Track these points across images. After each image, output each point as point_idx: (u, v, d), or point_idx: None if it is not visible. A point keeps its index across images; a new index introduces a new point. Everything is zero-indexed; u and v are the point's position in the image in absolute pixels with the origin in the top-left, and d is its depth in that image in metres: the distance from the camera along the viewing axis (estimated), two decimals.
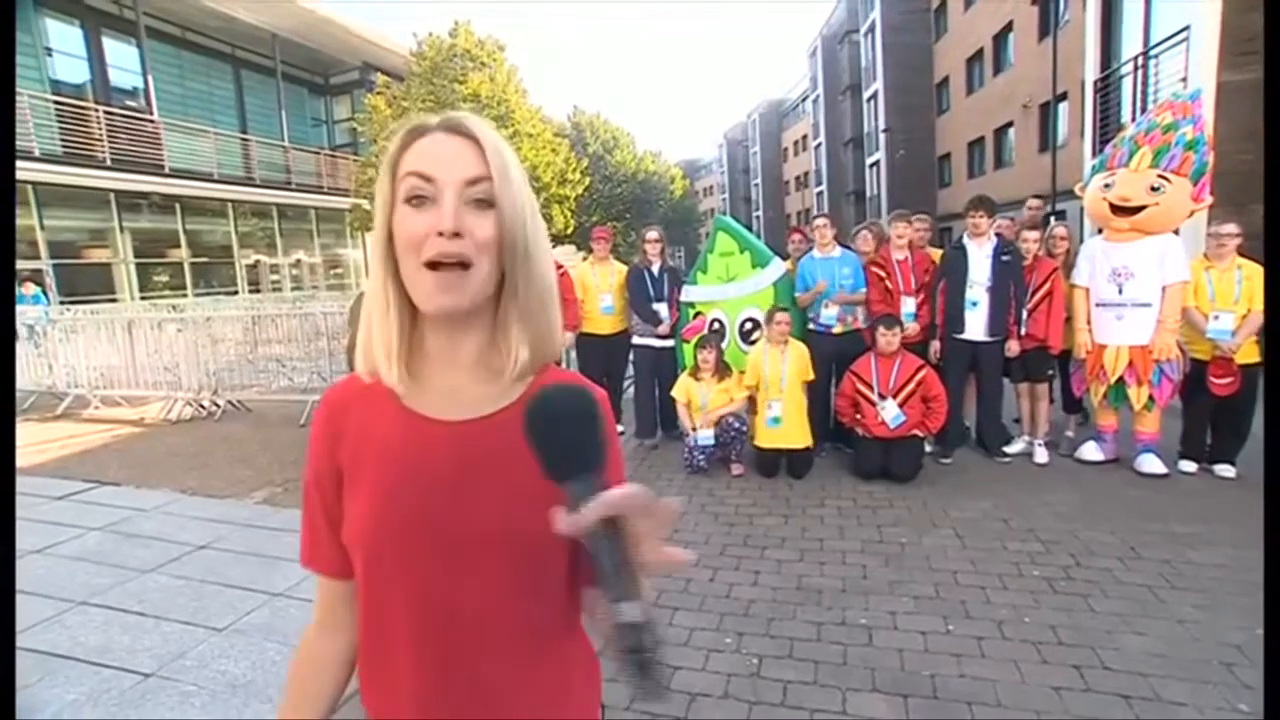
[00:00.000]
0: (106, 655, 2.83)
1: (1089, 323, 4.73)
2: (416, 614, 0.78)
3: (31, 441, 6.44)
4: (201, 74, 17.70)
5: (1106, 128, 10.68)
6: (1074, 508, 4.12)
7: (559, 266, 5.84)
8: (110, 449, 6.24)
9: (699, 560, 3.60)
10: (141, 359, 7.71)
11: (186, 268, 16.41)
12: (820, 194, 42.61)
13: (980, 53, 23.36)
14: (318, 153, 19.68)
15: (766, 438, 4.70)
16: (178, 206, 16.03)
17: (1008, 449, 5.06)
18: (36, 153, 12.84)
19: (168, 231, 16.08)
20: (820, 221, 5.24)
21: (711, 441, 4.82)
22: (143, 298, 14.62)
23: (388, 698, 0.83)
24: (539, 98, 21.50)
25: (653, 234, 5.60)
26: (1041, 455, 4.95)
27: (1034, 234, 5.04)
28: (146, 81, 15.55)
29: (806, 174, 47.70)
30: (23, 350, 8.18)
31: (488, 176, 0.74)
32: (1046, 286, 4.85)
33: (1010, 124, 21.35)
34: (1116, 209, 4.56)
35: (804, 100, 47.51)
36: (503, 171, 0.75)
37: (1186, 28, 8.66)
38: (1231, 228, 4.47)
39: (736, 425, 4.78)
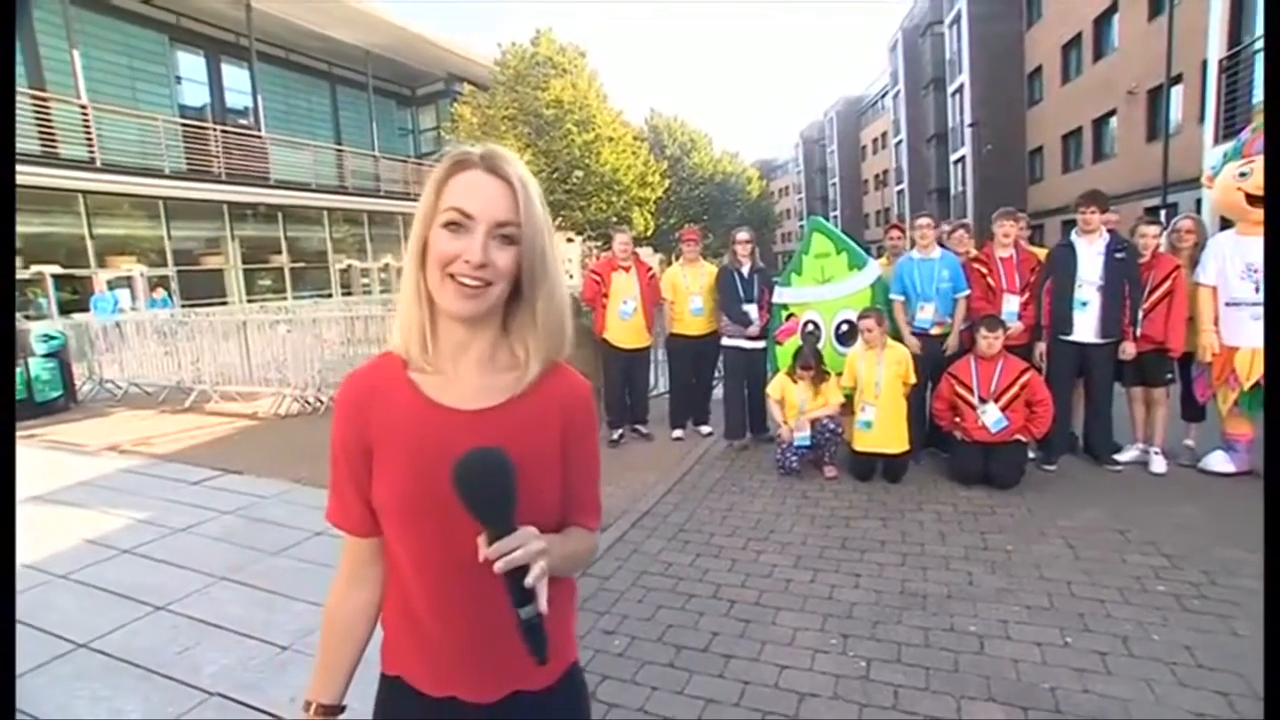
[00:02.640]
0: (248, 627, 3.08)
1: (1216, 324, 4.43)
2: (442, 569, 0.95)
3: (168, 431, 7.04)
4: (303, 92, 18.86)
5: (1234, 111, 9.90)
6: (1202, 522, 3.86)
7: (649, 270, 5.95)
8: (231, 440, 6.75)
9: (798, 561, 3.59)
10: (255, 358, 8.28)
11: (286, 272, 17.53)
12: (901, 192, 41.31)
13: (1079, 38, 22.10)
14: (404, 161, 20.60)
15: (861, 441, 4.62)
16: (280, 215, 17.15)
17: (1118, 457, 4.79)
18: (166, 170, 14.02)
19: (271, 239, 17.22)
20: (924, 221, 5.07)
21: (807, 442, 4.78)
22: (248, 300, 15.71)
23: (411, 645, 1.01)
24: (618, 101, 21.93)
25: (743, 235, 5.60)
26: (1159, 465, 4.66)
27: (1153, 229, 4.75)
28: (256, 101, 16.70)
29: (886, 172, 46.34)
30: (154, 349, 8.97)
31: (516, 222, 0.90)
32: (1167, 285, 4.55)
33: (1112, 113, 20.12)
34: (1254, 199, 4.25)
35: (883, 96, 46.20)
36: (528, 213, 0.91)
37: None
38: None
39: (832, 427, 4.72)
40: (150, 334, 9.14)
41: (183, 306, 13.25)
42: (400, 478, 0.94)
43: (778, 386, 4.92)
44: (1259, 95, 9.29)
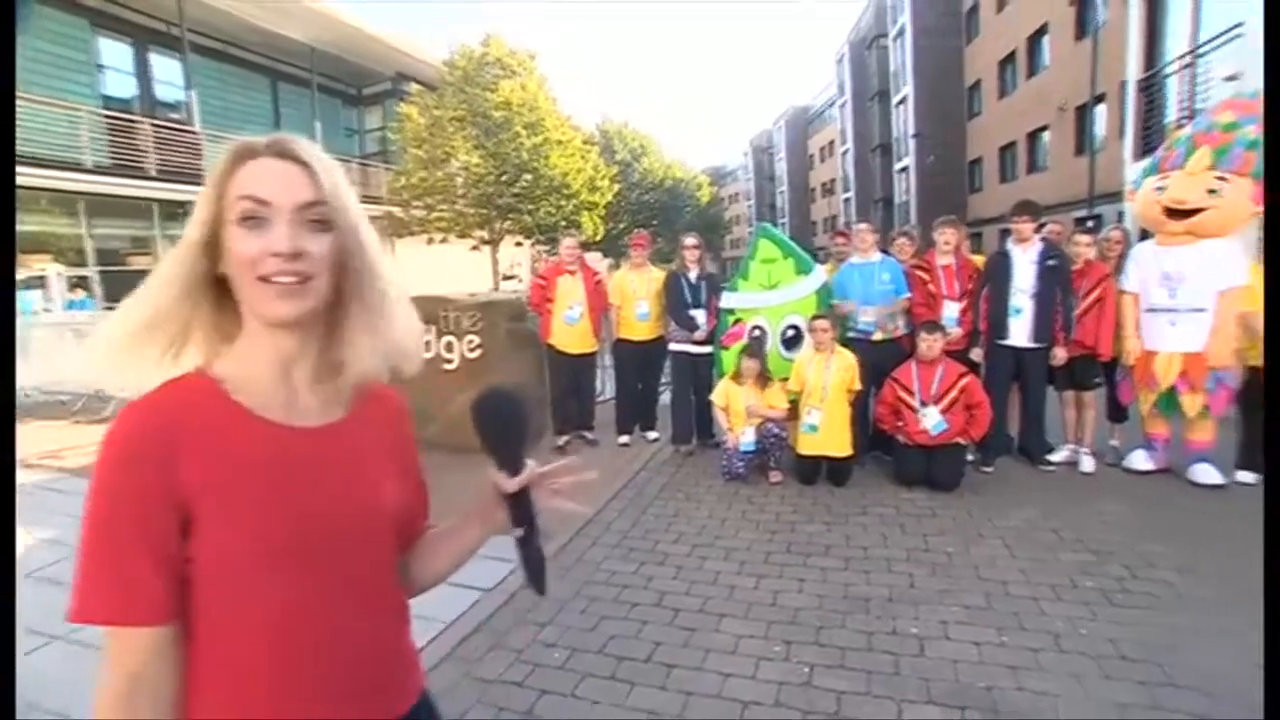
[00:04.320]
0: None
1: (1138, 329, 4.62)
2: (317, 622, 0.81)
3: (81, 443, 6.61)
4: (241, 87, 18.12)
5: (1150, 129, 10.45)
6: (1126, 518, 4.01)
7: (596, 274, 5.89)
8: None
9: (742, 567, 3.58)
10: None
11: None
12: (848, 200, 42.28)
13: (1013, 55, 23.02)
14: (349, 161, 20.04)
15: (806, 444, 4.66)
16: None
17: (1051, 457, 4.95)
18: (88, 164, 13.26)
19: None
20: (862, 227, 5.26)
21: (753, 446, 4.79)
22: None
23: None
24: (568, 106, 21.85)
25: (691, 240, 5.61)
26: (1088, 464, 4.84)
27: (1086, 238, 4.94)
28: (190, 95, 15.98)
29: (833, 181, 47.35)
30: (71, 354, 8.44)
31: (323, 200, 0.79)
32: (1097, 292, 4.74)
33: (1045, 127, 20.99)
34: (1171, 212, 4.44)
35: (830, 106, 47.22)
36: (335, 194, 0.80)
37: (1240, 24, 8.43)
38: None
39: (776, 431, 4.74)
40: (69, 337, 8.61)
41: (106, 309, 12.56)
42: (262, 521, 0.77)
43: (722, 393, 4.92)
44: (1172, 115, 9.83)
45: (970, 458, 4.86)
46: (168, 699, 0.77)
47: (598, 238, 17.45)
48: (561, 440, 5.85)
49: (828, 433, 4.58)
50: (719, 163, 75.81)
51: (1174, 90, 10.13)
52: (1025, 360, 4.79)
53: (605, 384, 7.20)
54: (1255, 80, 7.15)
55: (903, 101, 31.25)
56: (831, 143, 47.40)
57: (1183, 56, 9.87)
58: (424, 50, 19.58)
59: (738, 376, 4.83)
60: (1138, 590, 3.18)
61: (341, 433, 0.86)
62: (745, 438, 4.76)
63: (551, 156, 15.50)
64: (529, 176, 15.54)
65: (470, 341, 5.93)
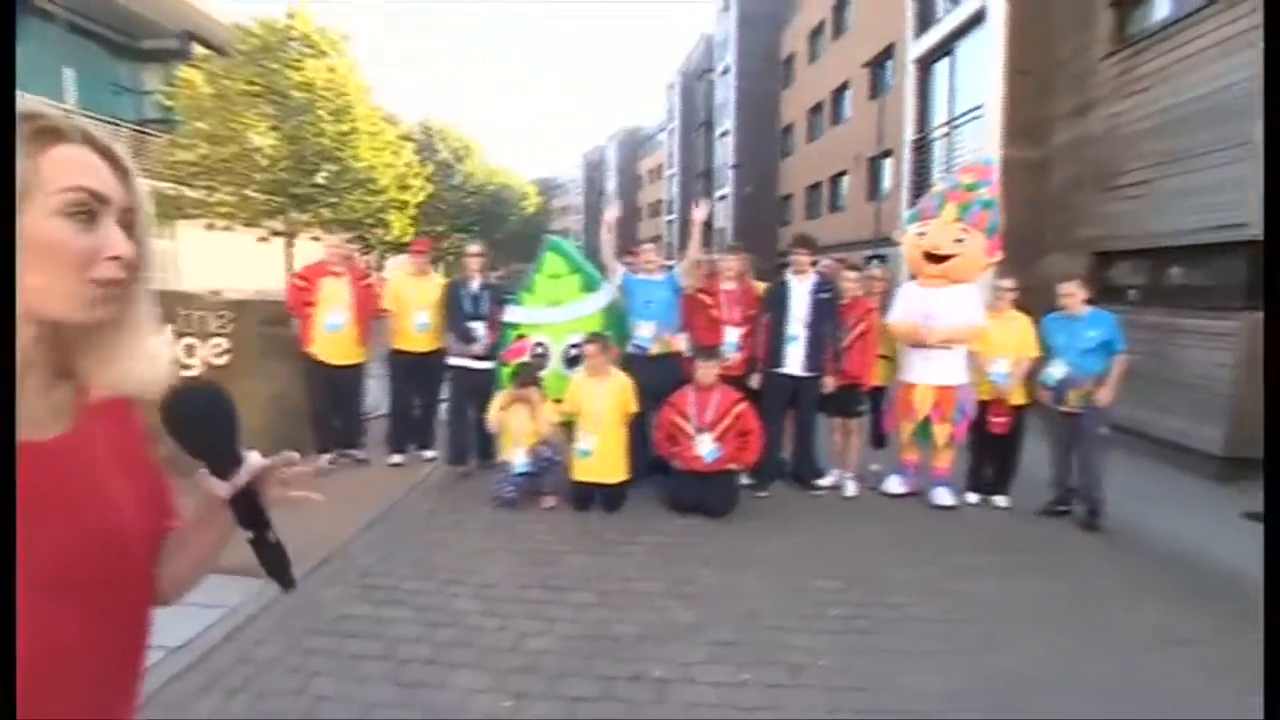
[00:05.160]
0: None
1: (898, 358, 4.99)
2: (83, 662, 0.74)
3: None
4: None
5: (920, 184, 11.72)
6: (876, 542, 4.22)
7: (363, 276, 5.32)
8: None
9: (490, 606, 3.25)
10: None
11: None
12: (671, 222, 43.89)
13: (821, 105, 25.16)
14: (119, 125, 17.17)
15: (580, 470, 4.45)
16: None
17: (821, 482, 5.17)
18: None
19: None
20: (648, 245, 5.26)
21: (526, 469, 4.49)
22: None
23: None
24: (388, 100, 20.29)
25: (474, 248, 5.25)
26: (851, 488, 5.10)
27: (852, 274, 5.22)
28: None
29: (659, 202, 49.03)
30: None
31: (137, 207, 0.76)
32: (862, 325, 5.02)
33: (845, 172, 23.10)
34: (929, 256, 4.83)
35: (661, 131, 48.96)
36: (143, 201, 0.77)
37: (980, 106, 9.70)
38: (1009, 282, 4.89)
39: (550, 454, 4.48)
40: None
41: None
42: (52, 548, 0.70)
43: (494, 410, 4.57)
44: (936, 174, 11.12)
45: (746, 482, 4.94)
46: None
47: (405, 239, 16.32)
48: (324, 459, 5.18)
49: (601, 458, 4.40)
50: (551, 174, 75.75)
51: (939, 152, 11.48)
52: (799, 388, 4.95)
53: (381, 398, 6.54)
54: (987, 154, 8.17)
55: (725, 134, 33.07)
56: (660, 166, 49.11)
57: (942, 125, 11.22)
58: (222, 11, 17.35)
59: (511, 400, 4.51)
60: (874, 616, 3.28)
61: (71, 446, 0.76)
62: (518, 460, 4.45)
63: (359, 148, 14.27)
64: (332, 167, 14.18)
65: (216, 345, 5.12)
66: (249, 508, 0.82)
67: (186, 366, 5.09)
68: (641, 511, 4.56)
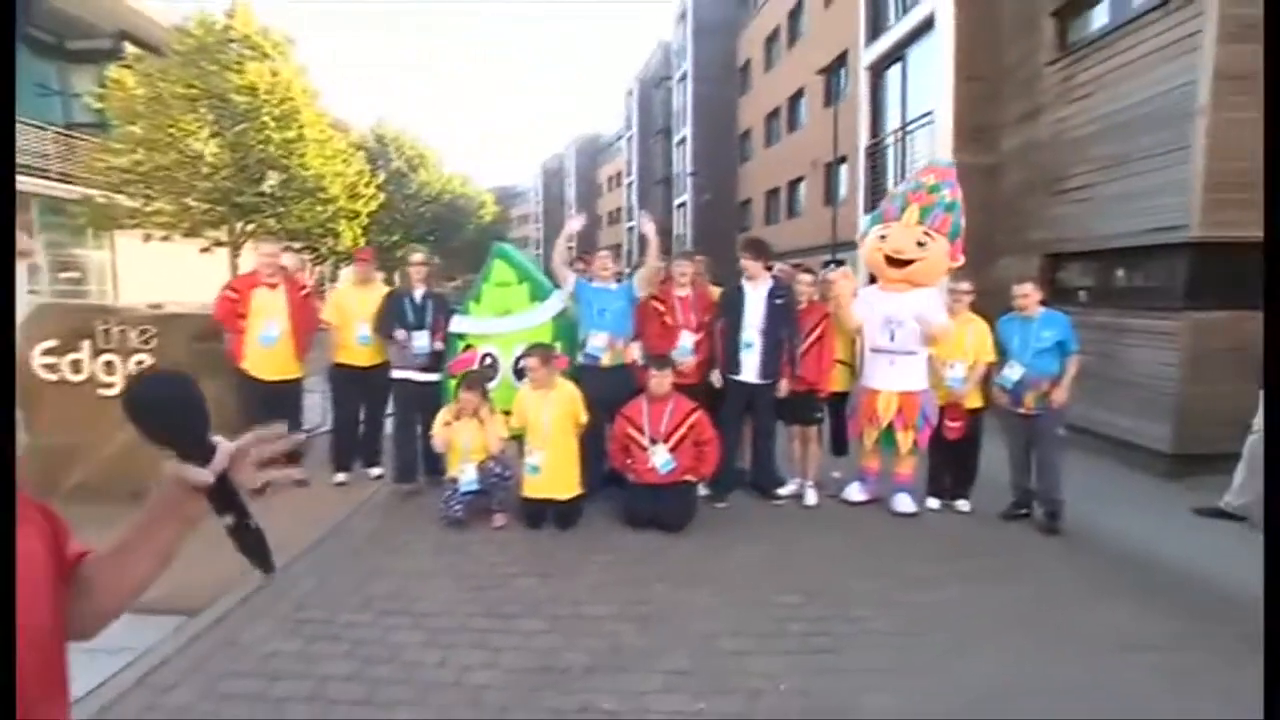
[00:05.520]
0: None
1: (863, 362, 4.95)
2: None
3: None
4: None
5: (876, 189, 11.81)
6: (839, 551, 4.13)
7: (301, 287, 5.06)
8: None
9: (432, 638, 3.05)
10: None
11: None
12: (631, 230, 43.90)
13: (778, 111, 25.38)
14: (45, 129, 16.31)
15: (530, 487, 4.26)
16: None
17: (781, 491, 5.06)
18: None
19: None
20: (603, 253, 5.13)
21: (474, 486, 4.28)
22: None
23: None
24: (339, 107, 19.62)
25: (418, 256, 5.04)
26: (811, 497, 5.00)
27: (808, 278, 5.13)
28: None
29: (619, 209, 48.97)
30: None
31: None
32: (819, 331, 4.94)
33: (802, 178, 23.32)
34: (890, 260, 4.77)
35: (619, 139, 48.96)
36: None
37: (931, 111, 9.81)
38: (966, 285, 4.87)
39: (499, 471, 4.29)
40: None
41: None
42: None
43: (440, 431, 4.36)
44: (891, 179, 11.21)
45: (705, 493, 4.81)
46: None
47: (358, 249, 15.86)
48: (260, 484, 4.87)
49: (551, 473, 4.21)
50: (510, 183, 75.22)
51: (893, 158, 11.59)
52: (755, 395, 4.85)
53: (326, 414, 6.24)
54: (945, 156, 8.24)
55: (683, 141, 33.17)
56: (619, 173, 49.07)
57: (896, 131, 11.34)
58: (160, 10, 16.64)
59: (457, 412, 4.30)
60: (836, 632, 3.17)
61: None
62: (465, 477, 4.25)
63: (306, 155, 13.79)
64: (278, 175, 13.67)
65: (139, 362, 4.81)
66: (225, 493, 0.81)
67: (106, 386, 4.78)
68: (596, 528, 4.38)
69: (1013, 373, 4.53)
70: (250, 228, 13.64)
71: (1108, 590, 3.64)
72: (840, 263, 16.41)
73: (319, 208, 14.26)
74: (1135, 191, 6.43)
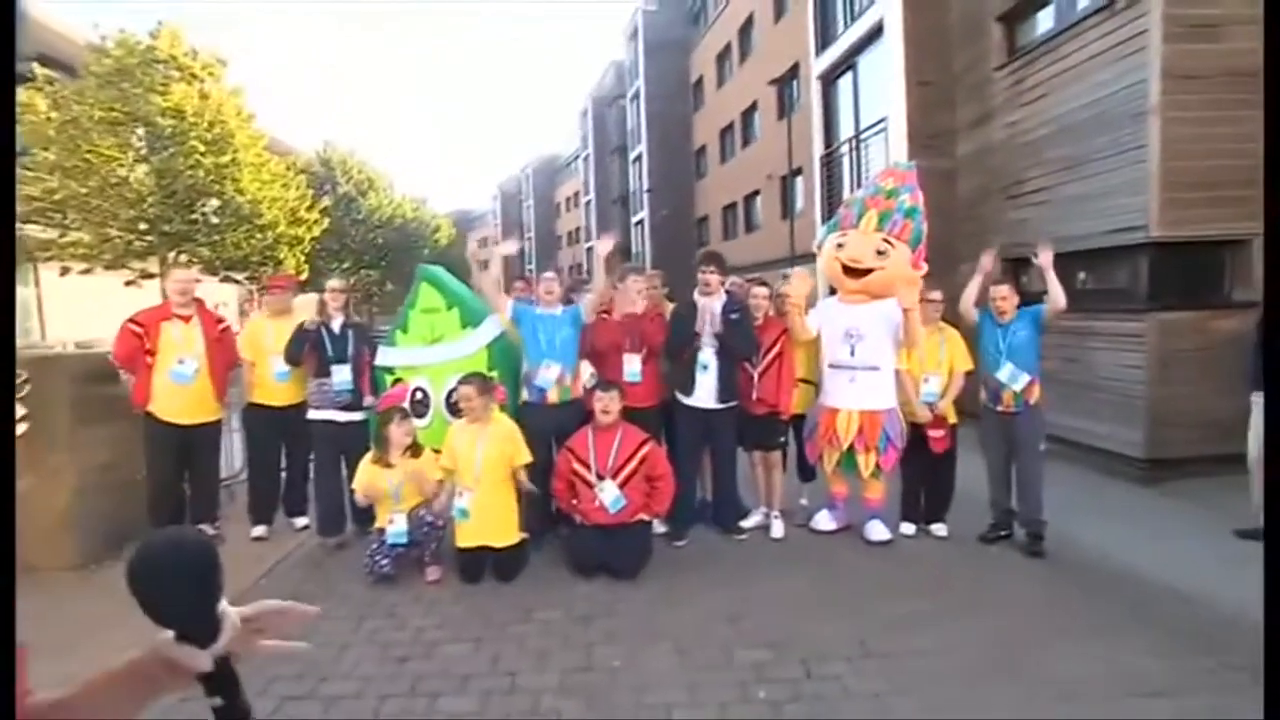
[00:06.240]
0: None
1: (821, 380, 4.62)
2: None
3: None
4: None
5: (832, 198, 11.68)
6: (806, 594, 3.75)
7: (221, 321, 4.58)
8: None
9: None
10: None
11: None
12: (590, 250, 43.58)
13: (732, 126, 25.39)
14: None
15: (462, 535, 3.79)
16: None
17: (744, 524, 4.68)
18: None
19: None
20: (549, 275, 4.65)
21: (404, 538, 3.82)
22: None
23: None
24: (280, 130, 18.77)
25: (335, 284, 4.57)
26: (778, 529, 4.63)
27: (763, 290, 4.79)
28: None
29: (578, 229, 48.65)
30: None
31: None
32: (777, 348, 4.60)
33: (758, 192, 23.29)
34: (848, 270, 4.47)
35: (576, 159, 48.79)
36: None
37: (884, 119, 9.70)
38: (938, 294, 4.60)
39: (430, 519, 3.83)
40: None
41: None
42: None
43: (363, 477, 3.89)
44: (847, 188, 11.09)
45: (662, 530, 4.41)
46: None
47: (303, 277, 15.14)
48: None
49: (484, 518, 3.75)
50: (468, 206, 74.45)
51: (847, 167, 11.48)
52: (713, 421, 4.48)
53: (237, 460, 5.66)
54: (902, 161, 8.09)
55: (638, 159, 33.05)
56: (577, 193, 48.82)
57: (850, 139, 11.24)
58: (77, 30, 15.83)
59: (384, 454, 3.84)
60: (809, 694, 2.79)
61: None
62: (394, 528, 3.78)
63: (242, 180, 13.12)
64: (212, 201, 12.97)
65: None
66: (220, 677, 0.69)
67: None
68: (541, 579, 3.92)
69: (1005, 374, 4.25)
70: (182, 257, 12.88)
71: (1101, 622, 3.33)
72: None
73: (257, 235, 13.57)
74: (1092, 193, 6.31)
